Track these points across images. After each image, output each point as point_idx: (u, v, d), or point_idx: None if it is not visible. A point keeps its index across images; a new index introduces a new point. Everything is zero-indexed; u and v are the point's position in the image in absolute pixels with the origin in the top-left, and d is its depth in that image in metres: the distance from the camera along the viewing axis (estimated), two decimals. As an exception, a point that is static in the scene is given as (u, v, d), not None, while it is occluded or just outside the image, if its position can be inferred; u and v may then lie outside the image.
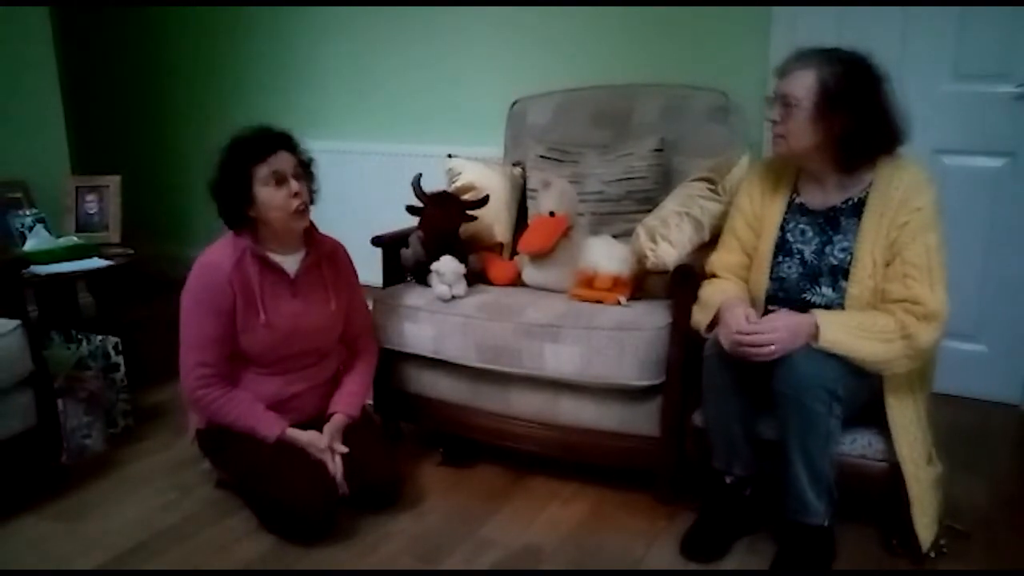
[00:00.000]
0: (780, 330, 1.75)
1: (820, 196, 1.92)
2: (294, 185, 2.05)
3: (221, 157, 2.08)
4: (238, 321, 2.05)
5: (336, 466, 2.06)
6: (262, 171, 2.03)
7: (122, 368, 2.62)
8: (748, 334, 1.76)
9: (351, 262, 2.31)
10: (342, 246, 2.29)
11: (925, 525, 1.84)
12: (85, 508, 2.18)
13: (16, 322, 2.17)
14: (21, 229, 2.95)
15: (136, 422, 2.66)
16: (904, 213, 1.79)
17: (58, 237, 2.98)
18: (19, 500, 2.17)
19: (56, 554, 1.98)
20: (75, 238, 3.01)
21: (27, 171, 3.19)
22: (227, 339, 2.06)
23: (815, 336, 1.74)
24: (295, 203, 2.05)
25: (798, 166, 1.94)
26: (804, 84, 1.80)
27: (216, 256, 2.08)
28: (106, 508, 2.18)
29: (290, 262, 2.14)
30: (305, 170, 2.14)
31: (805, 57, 1.83)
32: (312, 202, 2.16)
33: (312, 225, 2.20)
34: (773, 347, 1.74)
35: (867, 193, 1.85)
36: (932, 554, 1.88)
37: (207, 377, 2.06)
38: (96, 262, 2.86)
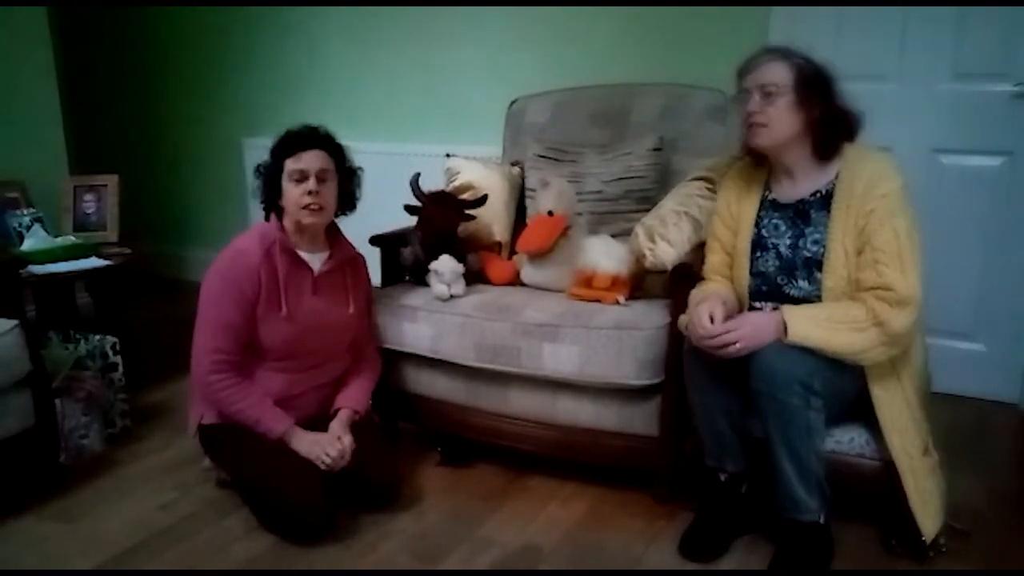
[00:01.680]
0: (745, 327, 1.78)
1: (790, 189, 1.94)
2: (311, 183, 2.08)
3: (271, 146, 2.16)
4: (259, 311, 2.08)
5: (342, 457, 2.05)
6: (289, 165, 2.09)
7: (120, 368, 2.61)
8: (712, 336, 1.78)
9: (368, 273, 2.36)
10: (363, 257, 2.35)
11: (928, 516, 1.84)
12: (83, 508, 2.18)
13: (14, 322, 2.16)
14: (19, 229, 2.94)
15: (134, 422, 2.65)
16: (870, 201, 1.80)
17: (56, 237, 2.97)
18: (18, 500, 2.17)
19: (55, 554, 1.98)
20: (73, 238, 3.00)
21: (25, 170, 3.19)
22: (246, 329, 2.08)
23: (784, 332, 1.75)
24: (306, 200, 2.08)
25: (772, 160, 1.96)
26: (780, 72, 1.84)
27: (247, 244, 2.11)
28: (104, 508, 2.18)
29: (314, 260, 2.18)
30: (342, 174, 2.18)
31: (769, 52, 1.89)
32: (348, 208, 2.23)
33: (338, 230, 2.26)
34: (738, 344, 1.76)
35: (834, 185, 1.87)
36: (931, 553, 1.88)
37: (221, 363, 2.06)
38: (94, 262, 2.85)
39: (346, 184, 2.20)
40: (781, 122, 1.85)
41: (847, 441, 1.88)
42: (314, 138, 2.14)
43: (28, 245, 2.86)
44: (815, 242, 1.88)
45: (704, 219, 2.19)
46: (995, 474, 2.33)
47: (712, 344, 1.79)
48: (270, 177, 2.14)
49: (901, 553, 1.91)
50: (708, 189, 2.25)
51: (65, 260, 2.81)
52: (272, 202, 2.16)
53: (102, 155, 4.38)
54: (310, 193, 2.07)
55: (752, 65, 1.88)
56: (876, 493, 1.90)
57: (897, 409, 1.83)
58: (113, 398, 2.58)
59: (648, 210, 2.29)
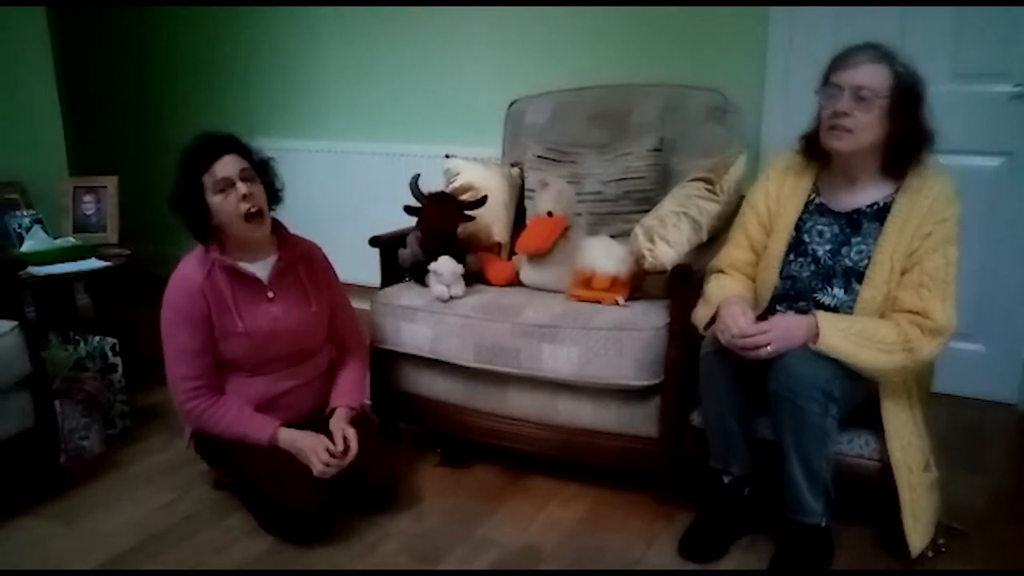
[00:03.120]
0: (777, 329, 1.76)
1: (846, 197, 1.89)
2: (241, 188, 2.01)
3: (176, 172, 2.05)
4: (216, 331, 2.05)
5: (344, 454, 2.03)
6: (208, 180, 2.01)
7: (120, 369, 2.61)
8: (746, 336, 1.76)
9: (328, 262, 2.29)
10: (317, 246, 2.27)
11: (917, 531, 1.83)
12: (83, 509, 2.18)
13: (13, 323, 2.17)
14: (18, 230, 2.94)
15: (134, 423, 2.65)
16: (930, 223, 1.78)
17: (55, 238, 2.97)
18: (17, 501, 2.17)
19: (55, 555, 1.98)
20: (72, 239, 3.00)
21: (24, 172, 3.19)
22: (208, 350, 2.06)
23: (815, 338, 1.74)
24: (245, 207, 2.01)
25: (837, 164, 1.90)
26: (880, 77, 1.76)
27: (187, 270, 2.07)
28: (104, 509, 2.18)
29: (261, 268, 2.12)
30: (259, 171, 2.10)
31: (871, 50, 1.79)
32: (276, 202, 2.14)
33: (282, 227, 2.19)
34: (770, 347, 1.74)
35: (894, 199, 1.84)
36: (930, 553, 1.88)
37: (194, 389, 2.05)
38: (94, 263, 2.85)
39: (264, 178, 2.11)
40: (868, 130, 1.77)
41: (847, 442, 1.88)
42: (219, 144, 2.05)
43: (28, 246, 2.86)
44: (860, 252, 1.85)
45: (704, 220, 2.19)
46: (993, 474, 2.33)
47: (744, 344, 1.76)
48: (191, 203, 2.03)
49: (891, 556, 1.91)
50: (708, 190, 2.26)
51: (65, 261, 2.81)
52: (203, 227, 2.06)
53: (101, 156, 4.38)
54: (245, 197, 2.00)
55: (852, 61, 1.78)
56: (874, 494, 1.89)
57: (903, 422, 1.83)
58: (113, 399, 2.58)
59: (647, 211, 2.29)
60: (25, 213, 3.00)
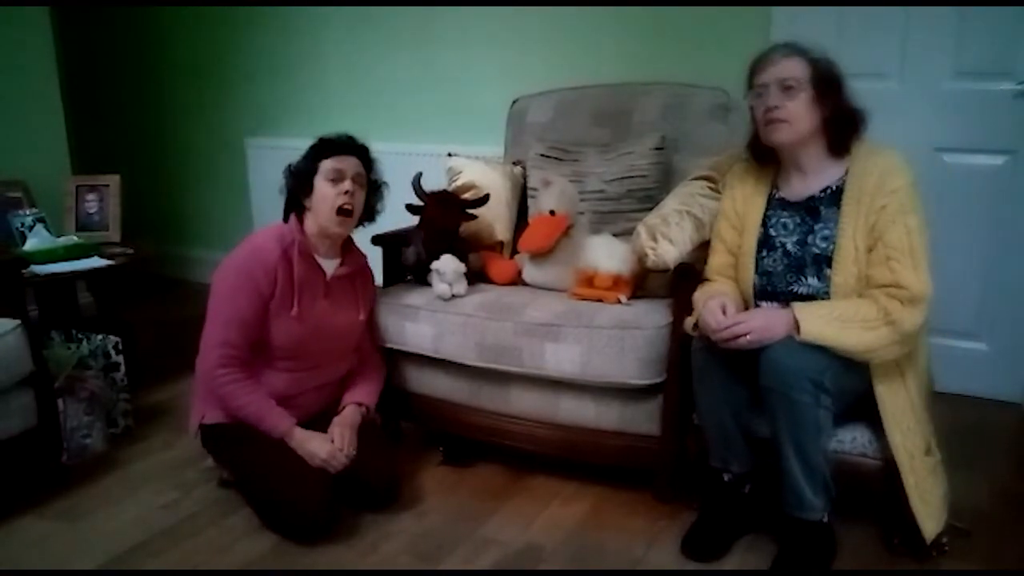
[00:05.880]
0: (756, 319, 1.79)
1: (799, 187, 1.94)
2: (347, 185, 2.11)
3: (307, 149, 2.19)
4: (271, 308, 2.08)
5: (334, 456, 2.05)
6: (327, 164, 2.12)
7: (122, 368, 2.61)
8: (724, 327, 1.78)
9: (375, 285, 2.38)
10: (371, 269, 2.37)
11: (928, 515, 1.83)
12: (85, 508, 2.18)
13: (16, 322, 2.17)
14: (21, 229, 2.95)
15: (136, 422, 2.66)
16: (881, 197, 1.80)
17: (58, 237, 2.97)
18: (19, 500, 2.17)
19: (56, 554, 1.98)
20: (75, 238, 3.00)
21: (27, 170, 3.19)
22: (257, 325, 2.08)
23: (796, 330, 1.74)
24: (341, 200, 2.10)
25: (784, 157, 1.95)
26: (798, 67, 1.85)
27: (264, 241, 2.12)
28: (106, 508, 2.19)
29: (328, 265, 2.20)
30: (371, 185, 2.21)
31: (783, 47, 1.89)
32: (368, 219, 2.24)
33: (351, 240, 2.27)
34: (749, 336, 1.76)
35: (844, 181, 1.87)
36: (933, 552, 1.88)
37: (229, 358, 2.06)
38: (96, 262, 2.85)
39: (371, 196, 2.22)
40: (801, 118, 1.84)
41: (849, 440, 1.88)
42: (353, 145, 2.18)
43: (30, 245, 2.86)
44: (825, 238, 1.87)
45: (706, 218, 2.18)
46: (997, 473, 2.33)
47: (723, 336, 1.79)
48: (302, 175, 2.14)
49: (902, 552, 1.91)
50: (710, 188, 2.25)
51: (67, 260, 2.81)
52: (296, 201, 2.16)
53: (104, 155, 4.39)
54: (346, 192, 2.10)
55: (768, 60, 1.87)
56: (878, 492, 1.89)
57: (900, 408, 1.83)
58: (115, 398, 2.58)
59: (650, 209, 2.28)
60: (28, 212, 3.01)
